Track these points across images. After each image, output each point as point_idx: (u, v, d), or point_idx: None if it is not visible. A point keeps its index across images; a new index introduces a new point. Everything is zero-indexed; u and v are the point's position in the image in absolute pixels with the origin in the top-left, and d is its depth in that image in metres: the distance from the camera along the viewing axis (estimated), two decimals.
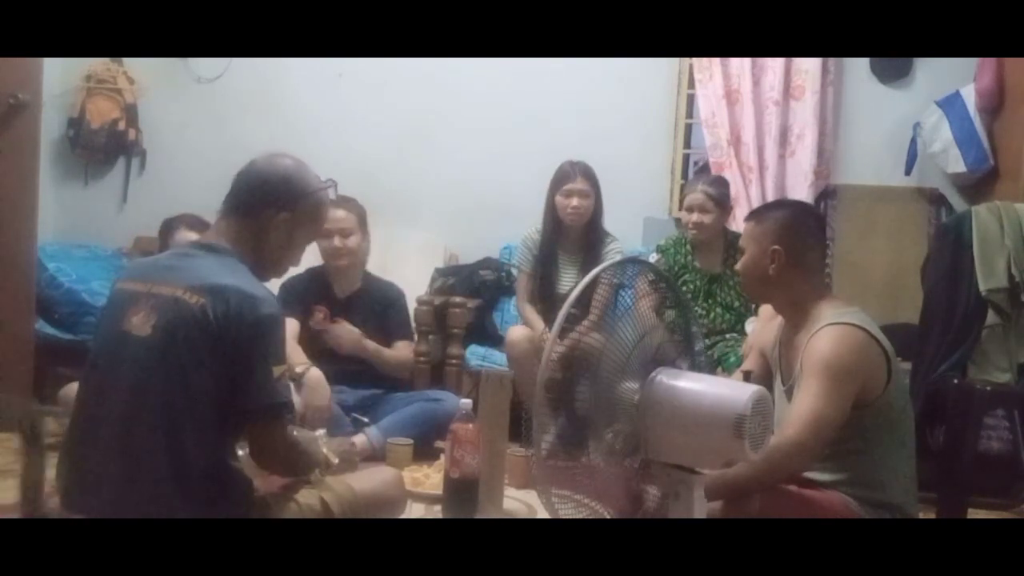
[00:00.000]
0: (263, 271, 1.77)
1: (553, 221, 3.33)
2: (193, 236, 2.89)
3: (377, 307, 3.18)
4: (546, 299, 3.32)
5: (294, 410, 1.72)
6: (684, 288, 3.21)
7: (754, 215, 2.13)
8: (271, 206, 1.72)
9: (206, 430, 1.58)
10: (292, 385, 1.90)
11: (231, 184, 1.77)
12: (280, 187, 1.73)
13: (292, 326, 2.99)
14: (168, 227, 3.03)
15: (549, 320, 3.31)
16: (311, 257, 3.24)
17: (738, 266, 2.10)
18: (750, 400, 1.55)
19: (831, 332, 1.87)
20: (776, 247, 1.99)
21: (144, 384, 1.56)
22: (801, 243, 2.01)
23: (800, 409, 1.80)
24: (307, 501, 1.69)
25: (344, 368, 3.08)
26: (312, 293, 3.13)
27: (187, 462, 1.55)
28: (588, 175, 3.28)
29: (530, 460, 2.09)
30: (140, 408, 1.56)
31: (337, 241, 3.05)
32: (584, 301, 1.81)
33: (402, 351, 3.17)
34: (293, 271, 2.83)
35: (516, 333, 3.22)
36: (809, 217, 2.13)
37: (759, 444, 1.58)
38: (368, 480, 1.87)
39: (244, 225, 1.72)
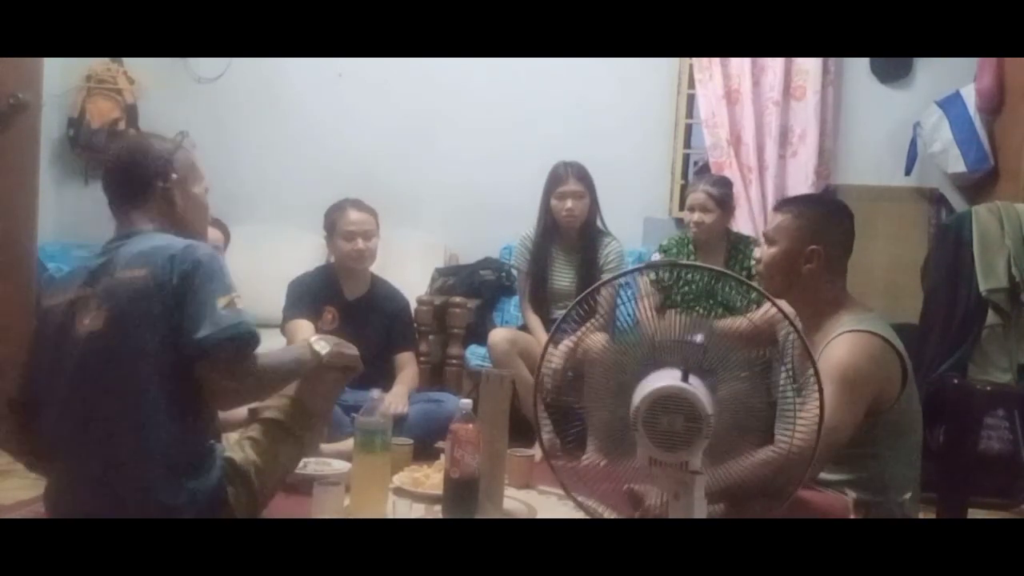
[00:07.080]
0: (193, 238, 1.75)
1: (549, 222, 3.33)
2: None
3: (384, 312, 3.18)
4: (540, 298, 3.33)
5: (254, 336, 1.58)
6: (686, 288, 3.21)
7: (790, 208, 2.02)
8: (156, 177, 1.72)
9: (177, 403, 1.56)
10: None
11: (105, 190, 1.76)
12: (148, 159, 1.74)
13: (306, 328, 3.00)
14: None
15: (546, 319, 3.32)
16: (319, 256, 3.24)
17: (761, 256, 2.02)
18: None
19: (849, 339, 1.84)
20: (815, 247, 1.93)
21: (108, 372, 1.55)
22: (839, 246, 1.97)
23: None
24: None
25: None
26: (321, 293, 3.12)
27: (160, 436, 1.54)
28: (582, 176, 3.27)
29: (531, 460, 2.09)
30: (111, 396, 1.54)
31: (361, 243, 3.05)
32: (588, 304, 1.82)
33: (409, 370, 3.17)
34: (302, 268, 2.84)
35: (497, 335, 3.21)
36: (847, 219, 2.04)
37: None
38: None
39: (147, 208, 1.72)
